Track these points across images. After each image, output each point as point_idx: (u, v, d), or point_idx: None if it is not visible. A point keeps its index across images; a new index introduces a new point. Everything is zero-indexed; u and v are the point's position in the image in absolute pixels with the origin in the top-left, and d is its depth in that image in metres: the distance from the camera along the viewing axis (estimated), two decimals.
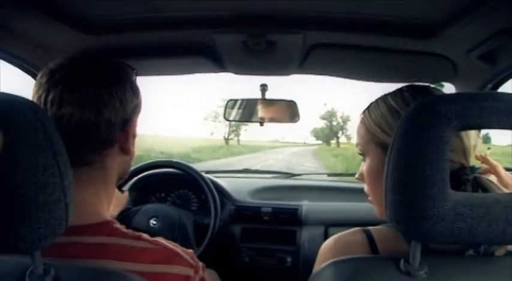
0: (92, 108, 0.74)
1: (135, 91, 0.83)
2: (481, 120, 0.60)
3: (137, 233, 0.76)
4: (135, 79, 0.87)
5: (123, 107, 0.78)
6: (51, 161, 0.58)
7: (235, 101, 1.90)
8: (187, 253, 0.79)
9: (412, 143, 0.61)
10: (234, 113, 1.90)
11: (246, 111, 1.89)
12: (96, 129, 0.75)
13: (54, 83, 0.74)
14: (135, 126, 0.84)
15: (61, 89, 0.73)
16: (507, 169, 0.84)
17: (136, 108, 0.83)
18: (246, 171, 2.75)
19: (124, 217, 1.76)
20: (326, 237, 1.84)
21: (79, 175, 0.74)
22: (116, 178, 0.85)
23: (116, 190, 0.96)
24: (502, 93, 0.62)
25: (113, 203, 1.06)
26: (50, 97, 0.73)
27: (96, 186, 0.79)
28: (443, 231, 0.59)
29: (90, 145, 0.76)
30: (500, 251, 0.71)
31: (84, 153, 0.76)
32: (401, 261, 0.67)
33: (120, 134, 0.80)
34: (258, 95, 1.73)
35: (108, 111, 0.75)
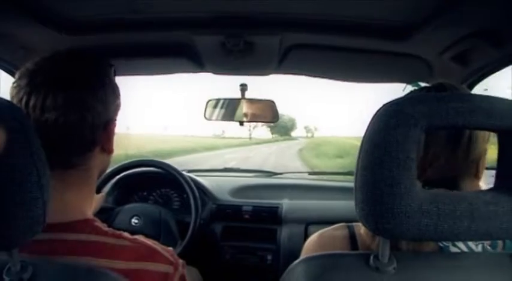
0: (76, 113, 0.73)
1: (116, 91, 0.82)
2: (447, 121, 0.61)
3: (118, 232, 0.76)
4: (114, 77, 0.87)
5: (106, 109, 0.78)
6: (28, 160, 0.59)
7: (216, 100, 1.90)
8: (167, 251, 0.79)
9: (380, 143, 0.63)
10: (214, 113, 1.91)
11: (227, 110, 1.89)
12: (80, 133, 0.74)
13: (35, 86, 0.72)
14: (115, 125, 0.84)
15: (44, 93, 0.71)
16: (488, 168, 0.86)
17: (117, 108, 0.83)
18: (227, 170, 2.75)
19: (106, 218, 1.76)
20: (306, 235, 1.87)
21: (64, 177, 0.75)
22: (96, 177, 0.85)
23: None
24: (468, 94, 0.66)
25: None
26: (32, 102, 0.71)
27: (80, 187, 0.79)
28: (410, 228, 0.61)
29: (74, 148, 0.76)
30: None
31: (69, 156, 0.76)
32: (371, 257, 0.69)
33: (102, 135, 0.79)
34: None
35: (91, 115, 0.75)
